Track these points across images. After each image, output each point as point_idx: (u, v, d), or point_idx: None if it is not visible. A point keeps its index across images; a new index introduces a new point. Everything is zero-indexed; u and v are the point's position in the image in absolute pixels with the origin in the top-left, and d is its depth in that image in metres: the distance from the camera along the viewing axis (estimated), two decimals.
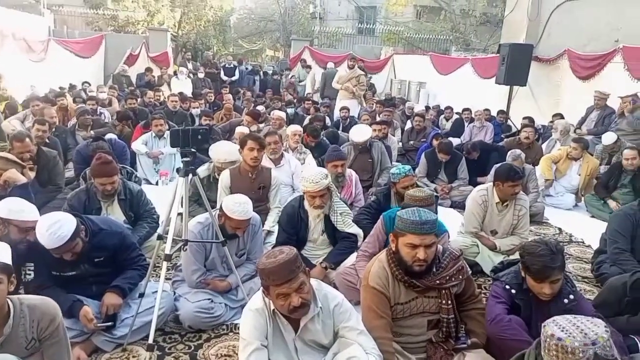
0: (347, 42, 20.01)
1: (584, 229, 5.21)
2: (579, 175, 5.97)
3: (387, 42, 19.93)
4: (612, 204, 5.41)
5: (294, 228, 3.53)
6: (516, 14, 10.52)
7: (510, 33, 10.66)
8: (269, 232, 4.05)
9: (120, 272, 2.86)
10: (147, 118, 7.06)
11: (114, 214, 3.59)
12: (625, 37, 7.91)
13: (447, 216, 5.01)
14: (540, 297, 2.32)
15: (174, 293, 3.09)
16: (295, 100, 10.73)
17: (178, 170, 2.68)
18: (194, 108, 8.79)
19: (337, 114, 9.47)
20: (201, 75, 12.83)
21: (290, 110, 8.73)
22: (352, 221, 3.69)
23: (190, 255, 2.99)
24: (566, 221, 5.48)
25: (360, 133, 5.60)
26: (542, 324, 1.54)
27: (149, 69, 13.09)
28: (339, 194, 3.90)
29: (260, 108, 9.04)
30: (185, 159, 2.66)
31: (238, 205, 2.93)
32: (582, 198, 5.96)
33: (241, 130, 6.13)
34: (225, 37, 24.91)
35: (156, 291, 2.66)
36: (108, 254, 2.79)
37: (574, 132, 7.46)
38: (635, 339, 2.30)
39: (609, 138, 6.37)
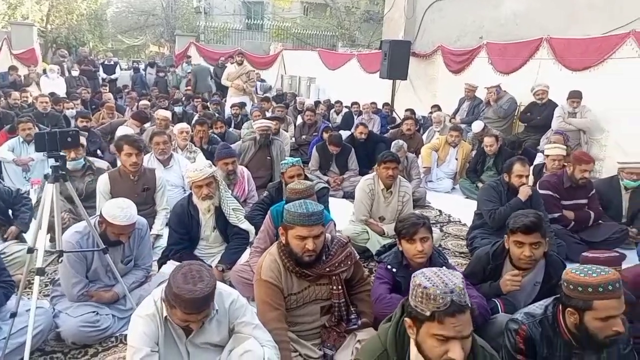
0: (236, 37, 19.72)
1: (460, 210, 5.71)
2: (457, 159, 6.57)
3: (276, 37, 20.04)
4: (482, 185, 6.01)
5: (184, 228, 3.44)
6: (394, 12, 11.14)
7: (390, 30, 11.27)
8: (158, 236, 3.90)
9: None
10: (13, 122, 6.35)
11: None
12: (487, 34, 8.78)
13: (339, 207, 5.21)
14: (416, 262, 2.52)
15: (53, 310, 2.84)
16: (183, 99, 10.35)
17: (46, 176, 2.46)
18: (68, 109, 8.05)
19: (228, 111, 9.34)
20: (75, 73, 11.81)
21: (178, 109, 8.41)
22: (245, 217, 3.70)
23: (69, 267, 2.77)
24: (445, 204, 5.98)
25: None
26: (413, 275, 1.74)
27: (13, 68, 11.70)
28: (230, 191, 3.86)
29: (143, 103, 8.60)
30: (54, 164, 2.45)
31: (120, 210, 2.76)
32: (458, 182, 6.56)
33: (125, 131, 5.78)
34: (101, 32, 23.18)
35: (30, 309, 2.43)
36: None
37: (449, 121, 8.15)
38: (496, 302, 2.61)
39: (477, 126, 7.06)
